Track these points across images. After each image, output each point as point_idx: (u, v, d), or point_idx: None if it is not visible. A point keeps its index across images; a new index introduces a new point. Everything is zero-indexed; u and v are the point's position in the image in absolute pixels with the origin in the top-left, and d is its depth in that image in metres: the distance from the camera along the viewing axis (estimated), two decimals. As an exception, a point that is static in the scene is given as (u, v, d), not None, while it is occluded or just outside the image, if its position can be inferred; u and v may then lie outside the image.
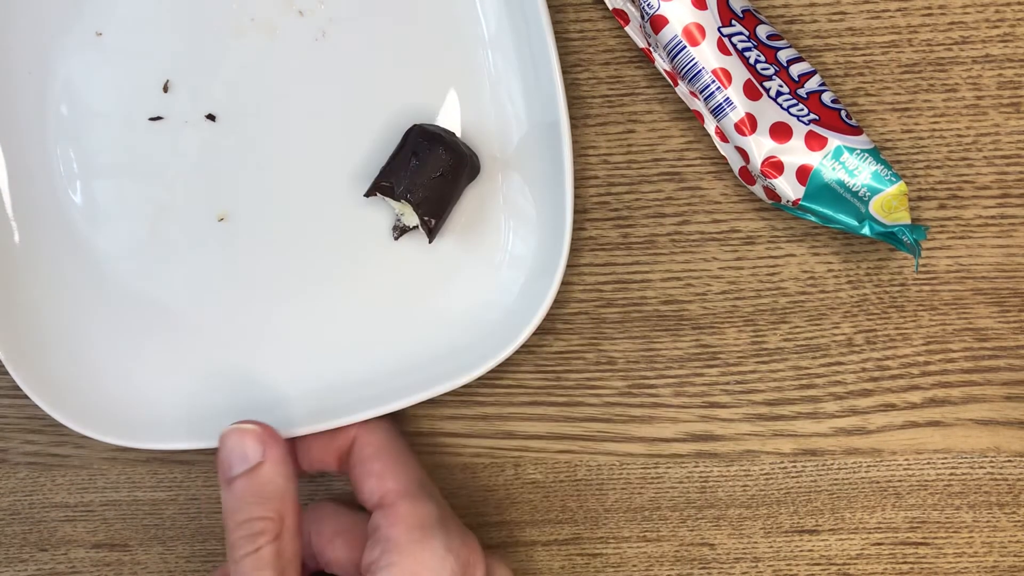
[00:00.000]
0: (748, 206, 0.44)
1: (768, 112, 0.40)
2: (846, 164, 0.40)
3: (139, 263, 0.45)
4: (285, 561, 0.39)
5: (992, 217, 0.44)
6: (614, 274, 0.45)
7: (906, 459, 0.46)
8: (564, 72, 0.42)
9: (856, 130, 0.40)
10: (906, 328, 0.45)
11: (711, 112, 0.41)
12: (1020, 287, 0.44)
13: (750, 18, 0.41)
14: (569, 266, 0.43)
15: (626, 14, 0.42)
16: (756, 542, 0.47)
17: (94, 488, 0.49)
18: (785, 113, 0.40)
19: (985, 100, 0.43)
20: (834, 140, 0.40)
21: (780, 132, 0.40)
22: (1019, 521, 0.46)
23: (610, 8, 0.42)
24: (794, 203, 0.41)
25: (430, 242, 0.43)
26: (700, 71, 0.40)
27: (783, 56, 0.41)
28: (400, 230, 0.44)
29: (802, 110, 0.40)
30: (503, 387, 0.46)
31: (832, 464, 0.46)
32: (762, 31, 0.41)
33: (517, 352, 0.43)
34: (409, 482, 0.41)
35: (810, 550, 0.47)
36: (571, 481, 0.47)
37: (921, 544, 0.46)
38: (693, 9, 0.40)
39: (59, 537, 0.49)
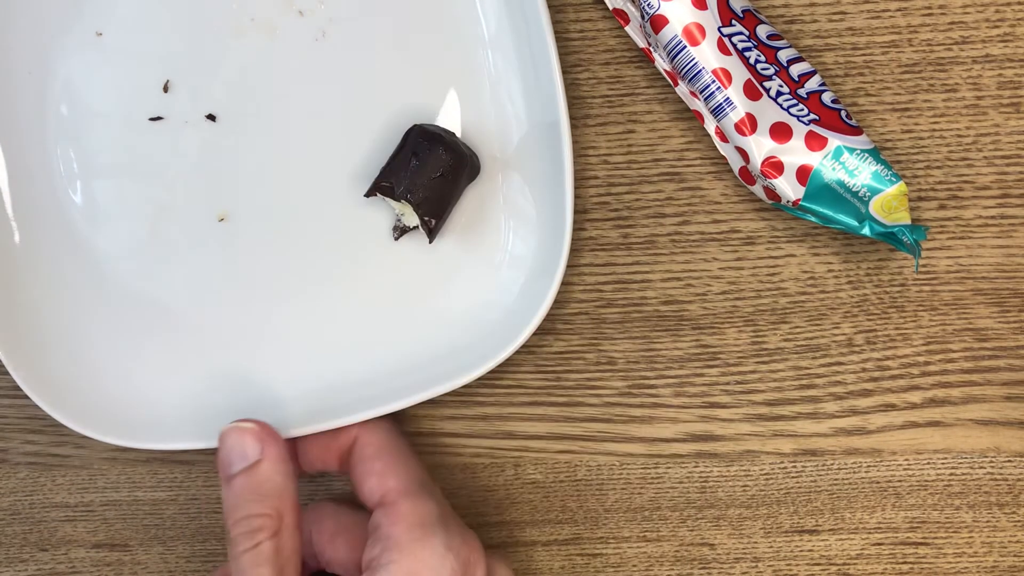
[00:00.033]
0: (748, 206, 0.44)
1: (768, 112, 0.40)
2: (846, 164, 0.40)
3: (139, 263, 0.45)
4: (284, 558, 0.39)
5: (992, 217, 0.44)
6: (614, 274, 0.45)
7: (906, 459, 0.46)
8: (564, 72, 0.42)
9: (856, 130, 0.40)
10: (906, 328, 0.45)
11: (711, 112, 0.41)
12: (1020, 287, 0.44)
13: (750, 18, 0.41)
14: (569, 266, 0.43)
15: (626, 14, 0.42)
16: (756, 542, 0.47)
17: (94, 488, 0.49)
18: (785, 113, 0.40)
19: (985, 100, 0.43)
20: (834, 140, 0.40)
21: (780, 132, 0.40)
22: (1019, 521, 0.46)
23: (610, 8, 0.42)
24: (794, 203, 0.41)
25: (430, 242, 0.43)
26: (700, 71, 0.40)
27: (783, 56, 0.41)
28: (400, 230, 0.44)
29: (802, 110, 0.40)
30: (503, 387, 0.46)
31: (832, 464, 0.46)
32: (762, 31, 0.41)
33: (517, 352, 0.43)
34: (410, 481, 0.41)
35: (810, 550, 0.47)
36: (571, 481, 0.47)
37: (921, 544, 0.46)
38: (693, 9, 0.40)
39: (59, 537, 0.49)
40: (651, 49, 0.42)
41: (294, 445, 0.43)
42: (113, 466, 0.48)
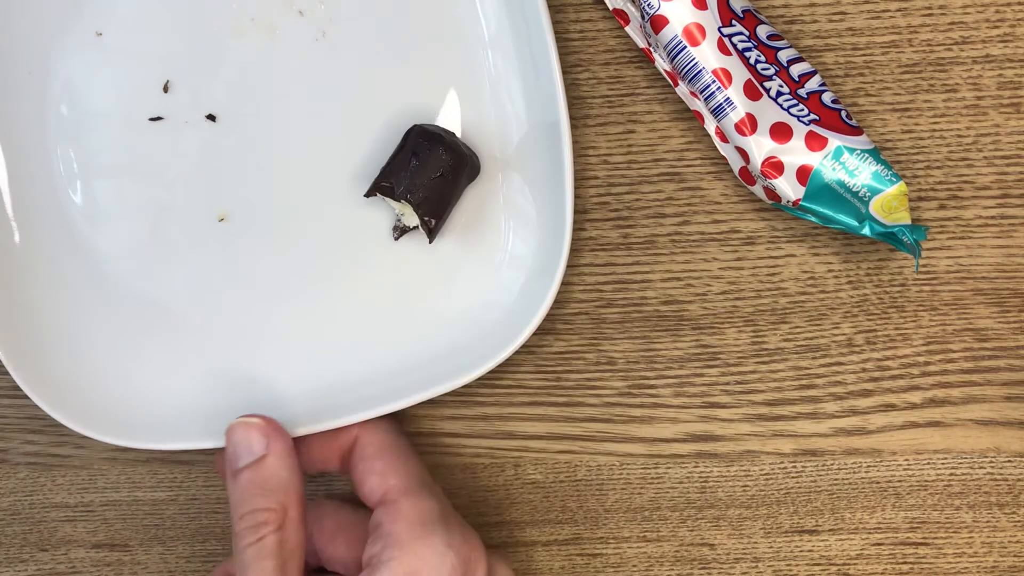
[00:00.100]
0: (748, 206, 0.44)
1: (768, 112, 0.40)
2: (846, 164, 0.40)
3: (139, 263, 0.45)
4: (287, 552, 0.39)
5: (992, 217, 0.44)
6: (614, 274, 0.45)
7: (906, 459, 0.46)
8: (564, 72, 0.42)
9: (856, 130, 0.40)
10: (906, 328, 0.45)
11: (711, 112, 0.41)
12: (1020, 287, 0.44)
13: (750, 18, 0.41)
14: (569, 266, 0.43)
15: (626, 14, 0.42)
16: (756, 542, 0.47)
17: (94, 488, 0.49)
18: (785, 113, 0.40)
19: (985, 100, 0.43)
20: (834, 140, 0.40)
21: (780, 132, 0.40)
22: (1019, 521, 0.46)
23: (610, 8, 0.42)
24: (794, 203, 0.41)
25: (430, 242, 0.43)
26: (700, 71, 0.40)
27: (783, 56, 0.41)
28: (400, 230, 0.44)
29: (802, 110, 0.40)
30: (503, 387, 0.46)
31: (832, 464, 0.46)
32: (762, 31, 0.41)
33: (517, 352, 0.43)
34: (411, 479, 0.41)
35: (810, 550, 0.47)
36: (571, 481, 0.47)
37: (921, 544, 0.46)
38: (693, 9, 0.40)
39: (59, 537, 0.49)
40: (651, 49, 0.42)
41: (296, 443, 0.43)
42: (113, 466, 0.48)
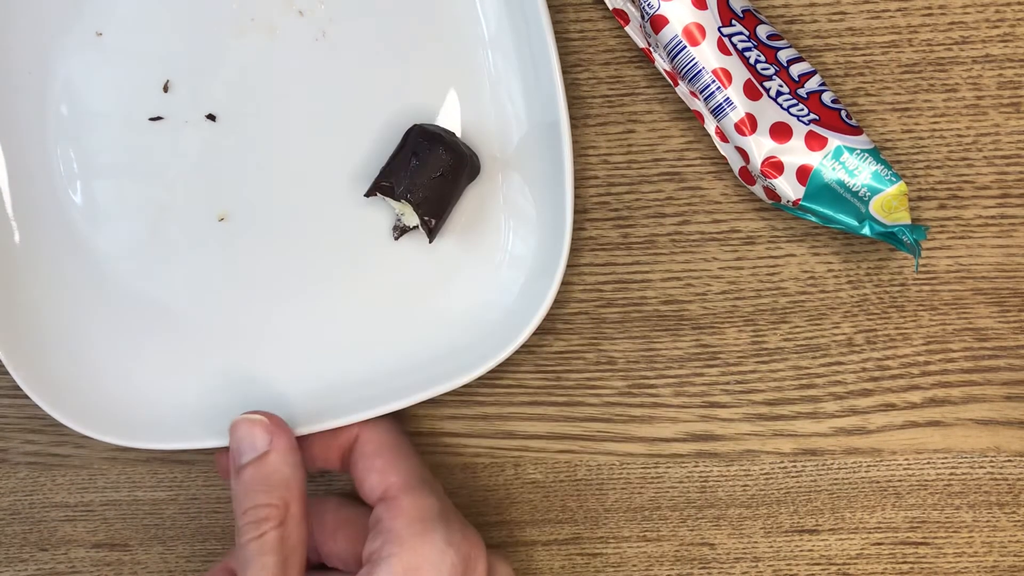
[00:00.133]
0: (748, 206, 0.44)
1: (768, 112, 0.40)
2: (846, 164, 0.40)
3: (139, 263, 0.45)
4: (289, 548, 0.39)
5: (992, 217, 0.44)
6: (614, 274, 0.45)
7: (906, 459, 0.46)
8: (564, 72, 0.42)
9: (856, 130, 0.40)
10: (906, 328, 0.45)
11: (711, 112, 0.41)
12: (1020, 287, 0.44)
13: (750, 18, 0.41)
14: (569, 266, 0.43)
15: (626, 14, 0.42)
16: (756, 542, 0.47)
17: (94, 488, 0.49)
18: (785, 113, 0.40)
19: (985, 100, 0.43)
20: (834, 140, 0.40)
21: (780, 132, 0.40)
22: (1019, 521, 0.46)
23: (610, 8, 0.42)
24: (794, 203, 0.41)
25: (430, 242, 0.43)
26: (700, 71, 0.40)
27: (783, 56, 0.41)
28: (400, 230, 0.44)
29: (802, 110, 0.40)
30: (503, 387, 0.46)
31: (832, 464, 0.46)
32: (762, 31, 0.41)
33: (517, 352, 0.43)
34: (411, 476, 0.41)
35: (810, 550, 0.47)
36: (571, 481, 0.47)
37: (921, 544, 0.46)
38: (693, 9, 0.40)
39: (59, 537, 0.49)
40: (651, 49, 0.42)
41: (297, 442, 0.43)
42: (113, 466, 0.48)
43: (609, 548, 0.47)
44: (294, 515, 0.40)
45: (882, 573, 0.47)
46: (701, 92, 0.41)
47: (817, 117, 0.40)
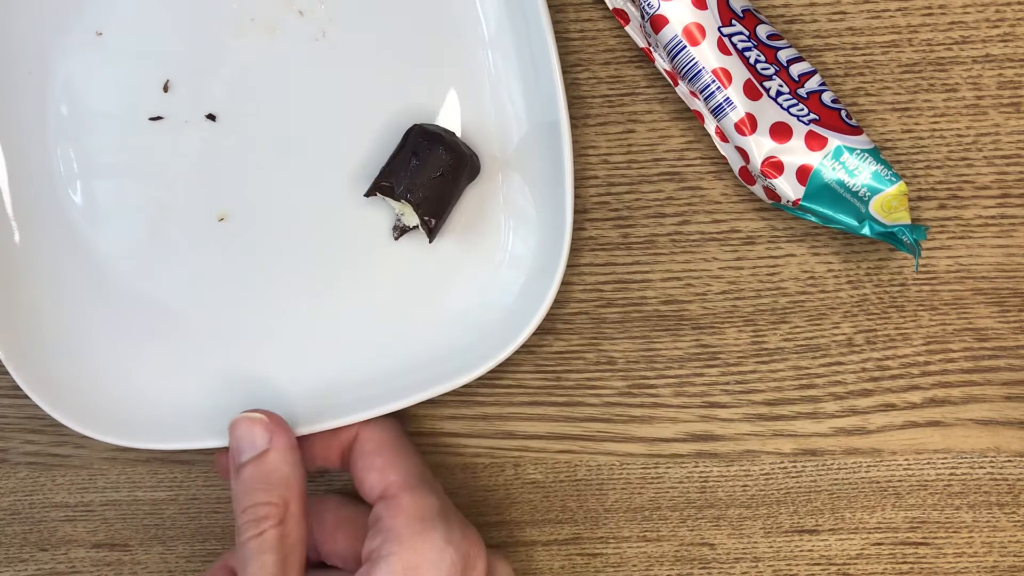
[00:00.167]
0: (748, 206, 0.44)
1: (768, 112, 0.40)
2: (846, 164, 0.40)
3: (139, 263, 0.45)
4: (288, 546, 0.39)
5: (992, 217, 0.44)
6: (614, 274, 0.45)
7: (906, 459, 0.46)
8: (564, 72, 0.42)
9: (856, 130, 0.40)
10: (906, 328, 0.45)
11: (711, 112, 0.41)
12: (1020, 287, 0.44)
13: (750, 18, 0.41)
14: (569, 266, 0.43)
15: (626, 14, 0.42)
16: (756, 542, 0.47)
17: (94, 488, 0.49)
18: (785, 113, 0.40)
19: (985, 100, 0.43)
20: (834, 140, 0.40)
21: (780, 132, 0.40)
22: (1019, 521, 0.46)
23: (610, 8, 0.42)
24: (794, 203, 0.41)
25: (430, 242, 0.43)
26: (700, 71, 0.40)
27: (783, 56, 0.41)
28: (400, 230, 0.44)
29: (802, 110, 0.40)
30: (503, 387, 0.46)
31: (832, 464, 0.46)
32: (762, 31, 0.41)
33: (517, 352, 0.43)
34: (411, 475, 0.41)
35: (810, 550, 0.47)
36: (571, 481, 0.47)
37: (921, 544, 0.46)
38: (693, 9, 0.40)
39: (59, 537, 0.49)
40: (651, 49, 0.42)
41: (297, 441, 0.43)
42: (113, 466, 0.48)
43: (609, 548, 0.47)
44: (293, 513, 0.40)
45: (882, 573, 0.47)
46: (701, 92, 0.41)
47: (817, 117, 0.40)
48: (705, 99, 0.41)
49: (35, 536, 0.49)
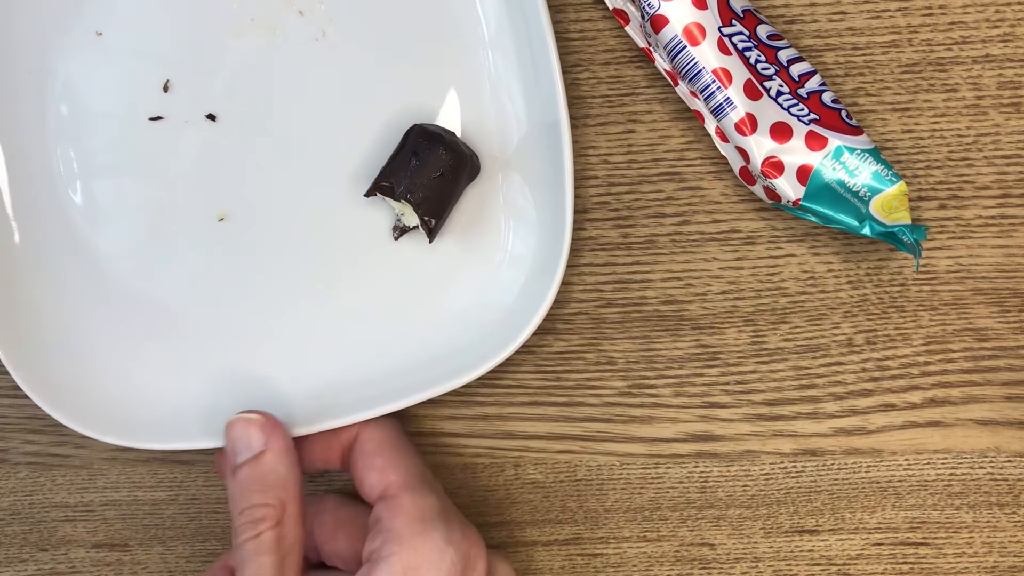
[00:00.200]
0: (748, 206, 0.44)
1: (768, 112, 0.40)
2: (846, 164, 0.40)
3: (139, 263, 0.45)
4: (286, 547, 0.39)
5: (992, 217, 0.44)
6: (614, 274, 0.45)
7: (906, 459, 0.46)
8: (564, 72, 0.42)
9: (856, 130, 0.40)
10: (906, 328, 0.45)
11: (711, 112, 0.41)
12: (1020, 287, 0.44)
13: (750, 18, 0.41)
14: (569, 266, 0.43)
15: (626, 14, 0.42)
16: (756, 542, 0.47)
17: (94, 488, 0.49)
18: (785, 113, 0.40)
19: (985, 100, 0.43)
20: (834, 140, 0.40)
21: (780, 132, 0.40)
22: (1019, 521, 0.46)
23: (610, 8, 0.42)
24: (794, 203, 0.41)
25: (430, 242, 0.43)
26: (700, 71, 0.40)
27: (783, 56, 0.41)
28: (400, 230, 0.44)
29: (802, 110, 0.40)
30: (503, 387, 0.46)
31: (832, 464, 0.46)
32: (762, 31, 0.41)
33: (517, 352, 0.43)
34: (411, 476, 0.41)
35: (810, 550, 0.47)
36: (571, 481, 0.47)
37: (921, 544, 0.46)
38: (693, 9, 0.40)
39: (59, 537, 0.49)
40: (651, 49, 0.42)
41: (297, 442, 0.43)
42: (113, 466, 0.48)
43: (609, 548, 0.47)
44: (291, 515, 0.40)
45: (882, 573, 0.47)
46: (701, 92, 0.41)
47: (817, 117, 0.40)
48: (705, 99, 0.41)
49: (35, 536, 0.49)
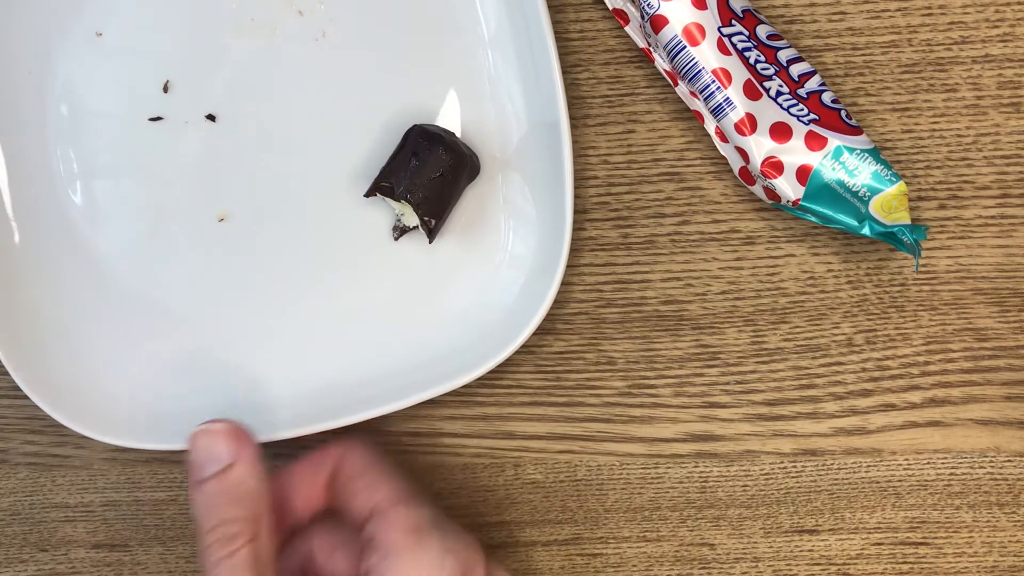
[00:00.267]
0: (748, 206, 0.44)
1: (768, 112, 0.40)
2: (846, 164, 0.40)
3: (139, 263, 0.45)
4: (262, 564, 0.38)
5: (992, 217, 0.44)
6: (614, 274, 0.45)
7: (906, 459, 0.46)
8: (564, 72, 0.42)
9: (856, 130, 0.40)
10: (906, 328, 0.45)
11: (711, 112, 0.41)
12: (1020, 287, 0.44)
13: (750, 18, 0.41)
14: (569, 266, 0.43)
15: (626, 14, 0.42)
16: (756, 542, 0.47)
17: (94, 488, 0.49)
18: (785, 113, 0.40)
19: (985, 100, 0.43)
20: (834, 140, 0.40)
21: (780, 132, 0.40)
22: (1019, 521, 0.46)
23: (610, 8, 0.42)
24: (794, 203, 0.41)
25: (430, 242, 0.43)
26: (700, 71, 0.40)
27: (783, 56, 0.41)
28: (400, 230, 0.44)
29: (802, 110, 0.40)
30: (503, 387, 0.46)
31: (832, 464, 0.46)
32: (762, 31, 0.41)
33: (517, 352, 0.43)
34: (399, 490, 0.41)
35: (810, 550, 0.47)
36: (571, 481, 0.47)
37: (921, 544, 0.46)
38: (693, 9, 0.40)
39: (59, 537, 0.49)
40: (651, 49, 0.42)
41: (280, 491, 0.42)
42: (113, 466, 0.48)
43: (609, 548, 0.47)
44: (265, 529, 0.38)
45: (882, 573, 0.47)
46: (701, 92, 0.41)
47: (817, 117, 0.40)
48: (705, 99, 0.41)
49: (35, 536, 0.49)
